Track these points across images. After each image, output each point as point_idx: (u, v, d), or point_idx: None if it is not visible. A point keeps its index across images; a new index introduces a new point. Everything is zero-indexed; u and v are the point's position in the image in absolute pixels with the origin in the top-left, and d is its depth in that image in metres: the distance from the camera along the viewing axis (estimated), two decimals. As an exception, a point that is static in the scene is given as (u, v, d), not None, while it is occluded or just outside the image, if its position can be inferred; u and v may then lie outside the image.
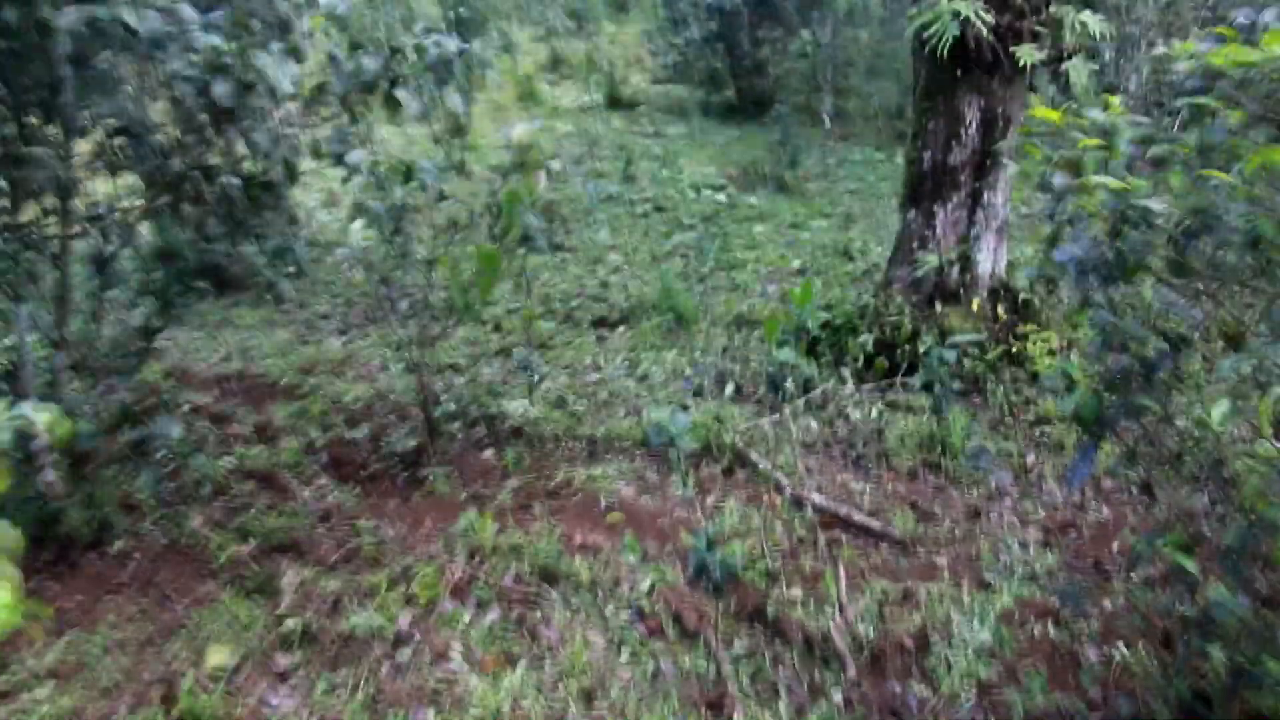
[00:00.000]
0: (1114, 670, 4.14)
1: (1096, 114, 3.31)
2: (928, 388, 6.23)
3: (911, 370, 7.02)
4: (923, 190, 7.28)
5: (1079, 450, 3.78)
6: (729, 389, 7.02)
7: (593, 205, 10.83)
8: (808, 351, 7.36)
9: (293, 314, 8.30)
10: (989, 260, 7.26)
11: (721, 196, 12.64)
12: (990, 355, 6.99)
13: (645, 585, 4.73)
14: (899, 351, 7.05)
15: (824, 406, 6.80)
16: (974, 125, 7.07)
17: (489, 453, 6.19)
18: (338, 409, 6.53)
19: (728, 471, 6.02)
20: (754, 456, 6.08)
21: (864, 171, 14.28)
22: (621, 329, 8.18)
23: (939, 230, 7.24)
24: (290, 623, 4.34)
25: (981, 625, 4.42)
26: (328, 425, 6.26)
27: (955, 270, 7.20)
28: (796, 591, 4.72)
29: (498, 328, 7.96)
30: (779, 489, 5.79)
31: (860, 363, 7.10)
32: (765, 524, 5.38)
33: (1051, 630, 4.46)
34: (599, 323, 8.29)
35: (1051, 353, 7.04)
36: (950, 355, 6.05)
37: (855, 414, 6.70)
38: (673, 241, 10.57)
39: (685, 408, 6.73)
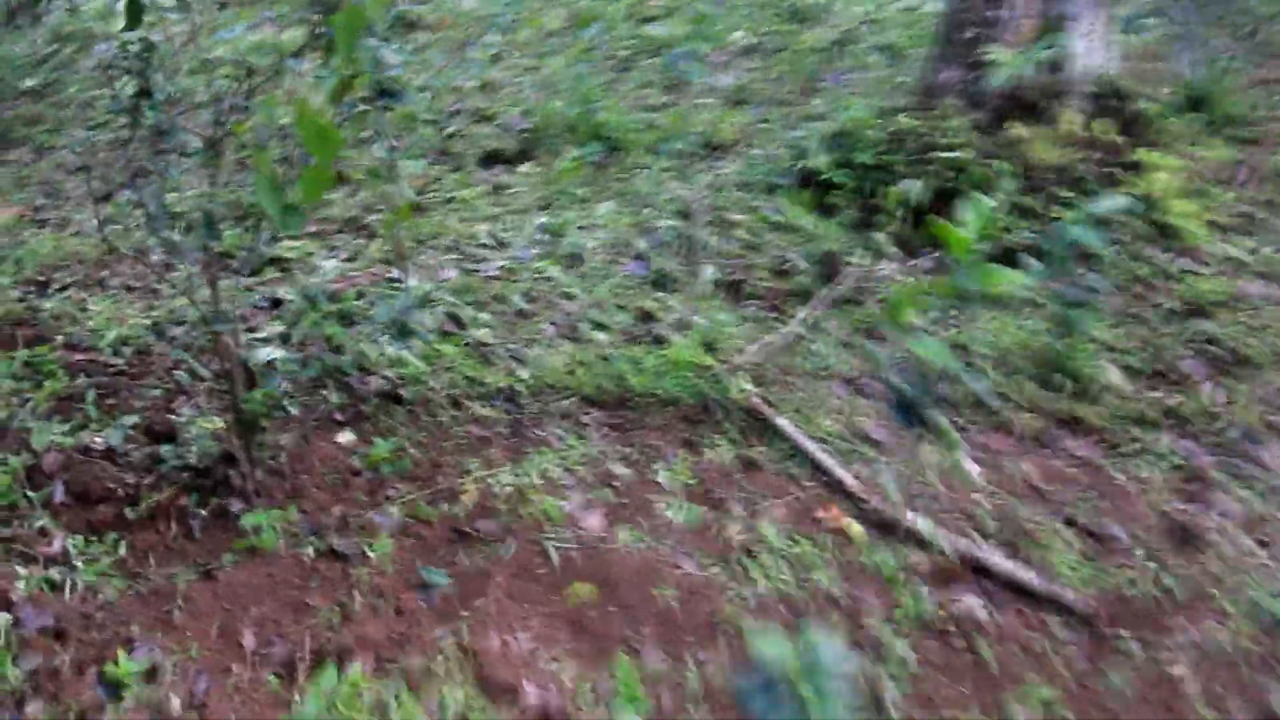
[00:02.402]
0: None
1: None
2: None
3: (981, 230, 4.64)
4: (989, -54, 4.75)
5: None
6: (707, 274, 4.58)
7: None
8: (818, 206, 4.92)
9: (26, 164, 5.51)
10: (1087, 51, 4.81)
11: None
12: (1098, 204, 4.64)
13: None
14: (959, 202, 4.65)
15: (859, 301, 4.43)
16: None
17: (346, 437, 3.74)
18: (88, 365, 3.96)
19: (747, 462, 3.66)
20: (781, 422, 3.73)
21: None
22: (525, 167, 5.58)
23: (1011, 7, 4.75)
24: None
25: None
26: (70, 409, 3.71)
27: (1035, 69, 4.75)
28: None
29: (342, 179, 5.31)
30: (840, 492, 3.49)
31: (902, 221, 4.70)
32: (848, 590, 3.10)
33: None
34: (491, 158, 5.66)
35: (1183, 193, 4.71)
36: (1095, 239, 3.73)
37: (911, 312, 4.35)
38: (567, 5, 7.83)
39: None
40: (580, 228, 4.93)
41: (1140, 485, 3.53)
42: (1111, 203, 3.81)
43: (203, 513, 3.36)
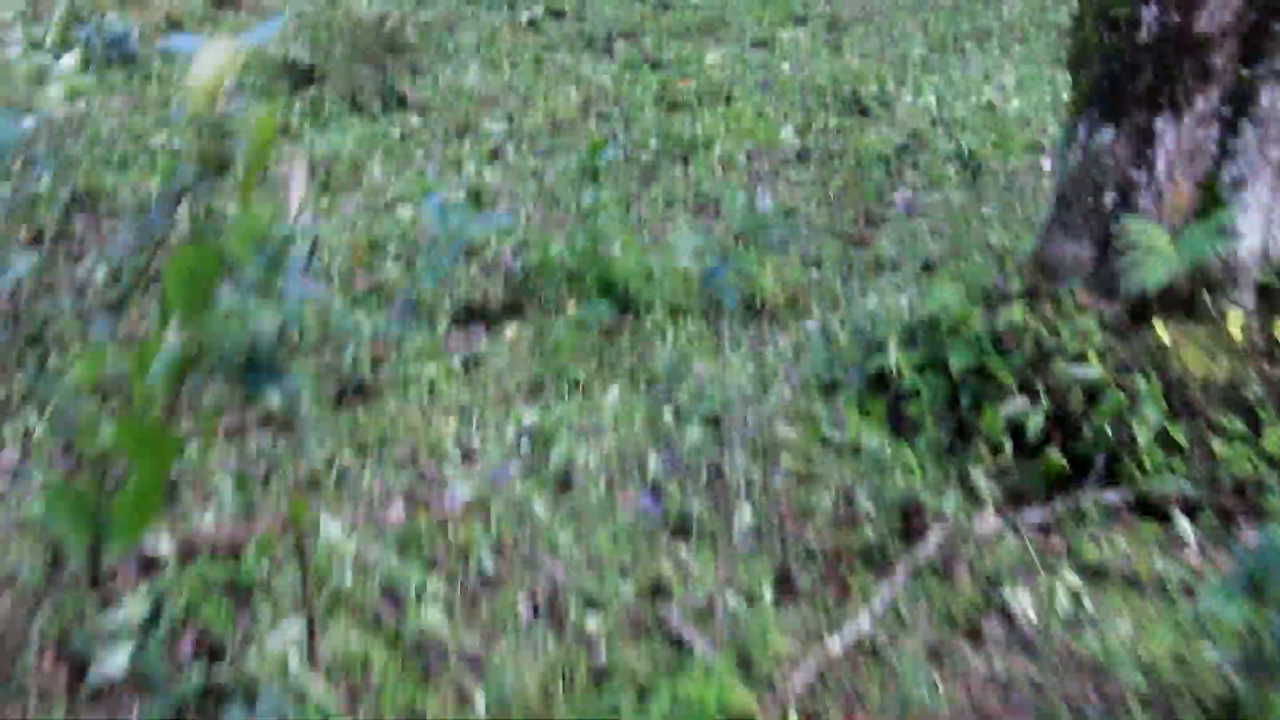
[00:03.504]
0: None
1: None
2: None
3: (1113, 470, 3.44)
4: (1132, 85, 3.54)
5: None
6: (744, 520, 3.39)
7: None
8: (892, 419, 3.72)
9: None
10: (1261, 227, 3.61)
11: (643, -11, 8.66)
12: (1273, 438, 3.43)
13: None
14: (1086, 431, 3.45)
15: (949, 574, 3.22)
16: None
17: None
18: None
19: None
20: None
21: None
22: (512, 329, 4.37)
23: (1161, 167, 3.55)
24: None
25: None
26: None
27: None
28: None
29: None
30: None
31: (1008, 451, 3.49)
32: None
33: None
34: (470, 313, 4.47)
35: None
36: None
37: (1023, 599, 3.14)
38: (583, 83, 6.67)
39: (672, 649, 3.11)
40: (578, 432, 3.73)
41: None
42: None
43: None
